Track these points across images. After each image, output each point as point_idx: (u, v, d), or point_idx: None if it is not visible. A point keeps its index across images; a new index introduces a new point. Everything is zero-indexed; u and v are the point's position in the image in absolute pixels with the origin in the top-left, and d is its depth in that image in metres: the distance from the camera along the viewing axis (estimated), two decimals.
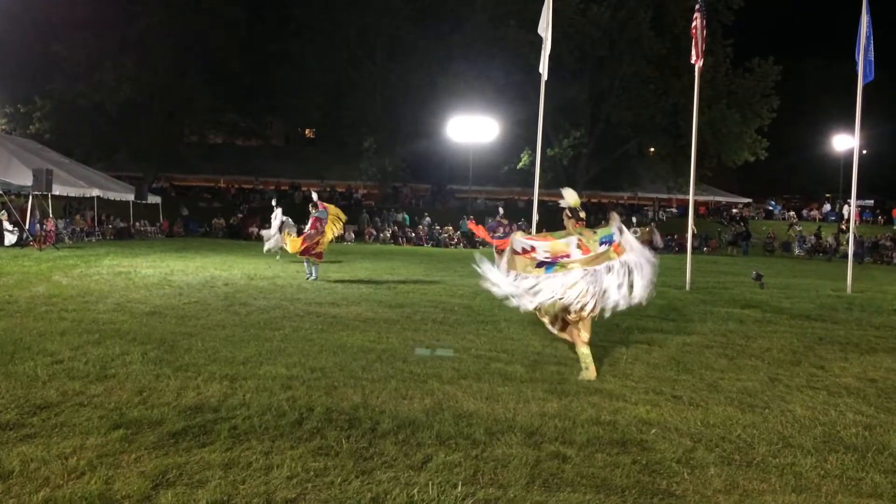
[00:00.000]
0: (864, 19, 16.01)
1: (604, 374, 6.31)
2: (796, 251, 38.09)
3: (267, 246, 20.30)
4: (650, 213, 46.70)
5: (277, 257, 20.00)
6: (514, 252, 6.28)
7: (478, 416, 4.86)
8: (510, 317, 9.73)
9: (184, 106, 41.11)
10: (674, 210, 48.22)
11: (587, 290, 5.96)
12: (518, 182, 42.53)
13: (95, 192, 28.24)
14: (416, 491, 3.57)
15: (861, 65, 16.09)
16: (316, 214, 14.44)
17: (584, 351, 6.23)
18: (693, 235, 18.21)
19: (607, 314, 6.13)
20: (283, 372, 5.92)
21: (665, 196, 47.61)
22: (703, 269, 20.79)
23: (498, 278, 6.24)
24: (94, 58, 34.81)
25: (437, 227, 39.15)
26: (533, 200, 17.41)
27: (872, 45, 16.04)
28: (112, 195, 30.00)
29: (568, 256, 6.08)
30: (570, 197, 6.47)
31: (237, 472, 3.73)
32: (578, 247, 6.10)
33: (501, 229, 22.00)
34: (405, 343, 7.52)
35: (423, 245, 36.50)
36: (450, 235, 37.94)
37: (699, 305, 11.92)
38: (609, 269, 6.01)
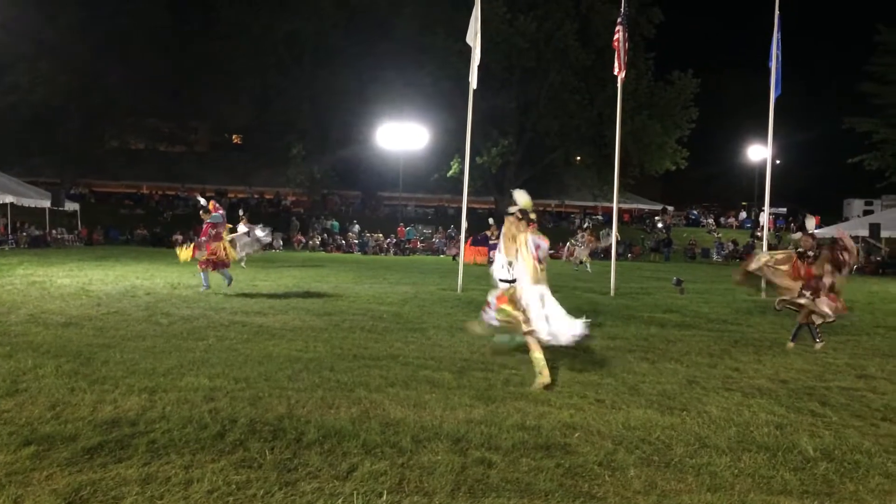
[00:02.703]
0: (776, 36, 16.78)
1: (529, 379, 6.39)
2: (715, 257, 39.44)
3: (239, 255, 20.34)
4: (577, 221, 47.59)
5: (242, 264, 19.81)
6: (535, 257, 6.01)
7: (405, 423, 4.86)
8: (438, 324, 9.78)
9: (103, 109, 39.74)
10: (599, 217, 49.29)
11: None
12: (448, 189, 42.81)
13: (9, 199, 27.10)
14: (340, 501, 3.54)
15: (773, 79, 16.86)
16: (210, 220, 13.18)
17: (538, 356, 6.19)
18: (617, 242, 18.67)
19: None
20: (206, 383, 5.78)
21: (591, 203, 48.68)
22: (627, 275, 21.32)
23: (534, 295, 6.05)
24: (7, 59, 33.34)
25: (367, 235, 38.99)
26: (462, 208, 17.50)
27: (780, 61, 16.83)
28: (27, 202, 28.77)
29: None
30: (521, 199, 6.40)
31: (155, 488, 3.62)
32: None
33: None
34: (332, 351, 7.45)
35: (352, 252, 36.27)
36: (379, 243, 37.83)
37: (622, 310, 12.22)
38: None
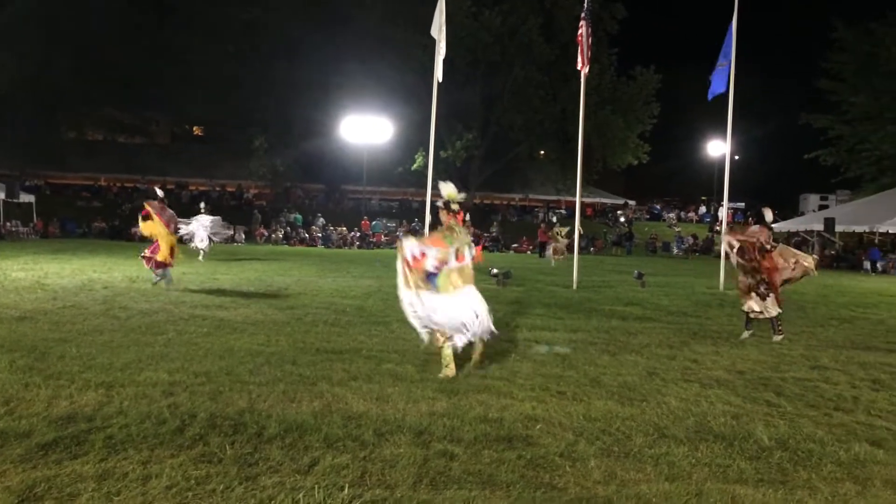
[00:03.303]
0: (733, 36, 17.02)
1: (492, 372, 6.42)
2: (675, 251, 40.00)
3: (200, 246, 20.31)
4: (541, 214, 47.90)
5: (201, 258, 19.69)
6: (406, 262, 6.10)
7: (367, 417, 4.85)
8: (402, 317, 9.70)
9: (60, 100, 38.74)
10: (562, 211, 49.68)
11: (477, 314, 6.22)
12: (412, 183, 42.76)
13: None
14: (301, 495, 3.52)
15: (732, 76, 17.10)
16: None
17: (447, 352, 6.25)
18: (580, 236, 18.82)
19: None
20: (165, 378, 5.70)
21: (554, 198, 49.01)
22: (590, 268, 21.52)
23: (406, 299, 6.17)
24: None
25: (331, 228, 38.76)
26: (426, 201, 17.48)
27: (733, 59, 17.06)
28: None
29: (447, 264, 6.17)
30: (446, 190, 6.56)
31: (112, 484, 3.56)
32: (456, 256, 6.22)
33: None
34: (295, 345, 7.40)
35: (315, 246, 36.03)
36: (343, 237, 37.63)
37: (585, 304, 12.34)
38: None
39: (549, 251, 25.50)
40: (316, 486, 3.62)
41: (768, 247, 8.95)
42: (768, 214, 9.42)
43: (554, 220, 28.39)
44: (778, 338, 8.76)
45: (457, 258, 6.23)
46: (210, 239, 21.06)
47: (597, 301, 12.85)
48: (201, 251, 20.43)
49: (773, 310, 8.80)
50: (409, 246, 6.13)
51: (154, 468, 3.77)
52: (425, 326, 6.20)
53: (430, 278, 6.16)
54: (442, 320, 6.16)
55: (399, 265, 6.19)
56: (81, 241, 30.29)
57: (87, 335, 7.52)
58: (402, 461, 4.03)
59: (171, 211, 13.00)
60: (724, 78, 17.15)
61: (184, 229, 19.10)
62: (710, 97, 17.62)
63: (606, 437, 4.64)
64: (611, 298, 13.41)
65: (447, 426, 4.69)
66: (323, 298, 11.77)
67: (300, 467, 3.90)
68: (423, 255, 6.09)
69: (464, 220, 6.53)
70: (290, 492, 3.56)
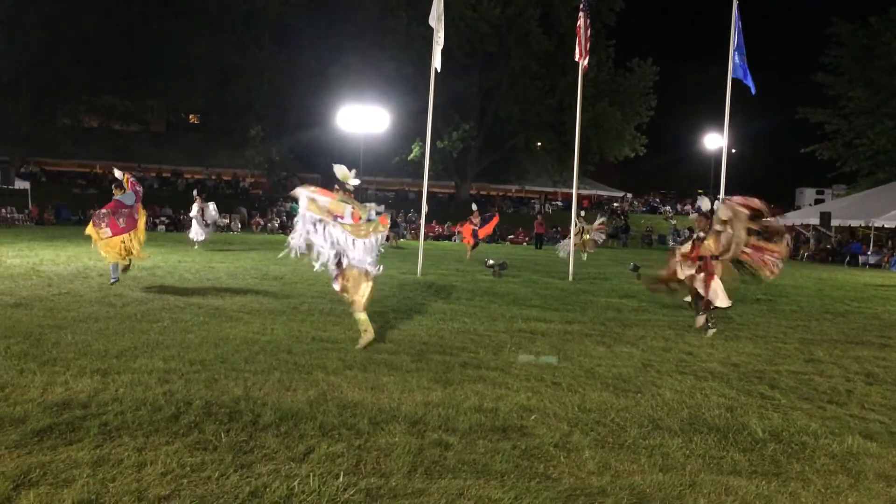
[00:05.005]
0: (736, 26, 16.93)
1: (487, 362, 6.44)
2: (671, 243, 40.03)
3: (196, 238, 20.31)
4: (536, 206, 47.89)
5: (196, 247, 19.72)
6: (310, 199, 6.77)
7: (362, 406, 4.86)
8: (398, 307, 9.77)
9: (55, 86, 38.51)
10: (559, 203, 49.68)
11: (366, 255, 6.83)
12: (409, 173, 42.68)
13: None
14: (296, 483, 3.52)
15: (731, 68, 17.01)
16: (119, 197, 10.77)
17: (362, 317, 6.87)
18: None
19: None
20: (161, 365, 5.70)
21: (551, 189, 49.01)
22: (585, 260, 21.53)
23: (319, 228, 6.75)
24: None
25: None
26: (423, 192, 17.46)
27: (743, 48, 16.97)
28: None
29: (342, 218, 6.75)
30: (339, 171, 7.10)
31: (107, 470, 3.56)
32: (352, 215, 6.76)
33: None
34: (290, 334, 7.40)
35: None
36: None
37: (580, 295, 12.36)
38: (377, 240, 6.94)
39: (579, 243, 24.94)
40: (311, 474, 3.63)
41: (702, 235, 8.73)
42: (705, 203, 9.12)
43: (582, 213, 28.26)
44: (710, 332, 8.46)
45: (352, 217, 6.79)
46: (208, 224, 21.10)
47: (592, 293, 12.87)
48: (197, 242, 20.40)
49: (720, 301, 8.54)
50: (303, 191, 6.86)
51: (149, 455, 3.78)
52: (337, 265, 6.83)
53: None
54: (357, 256, 6.77)
55: (303, 203, 6.79)
56: (77, 228, 30.10)
57: (82, 322, 7.51)
58: (396, 450, 4.03)
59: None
60: (746, 71, 16.93)
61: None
62: (752, 90, 17.18)
63: (601, 428, 4.65)
64: (606, 290, 13.42)
65: (442, 416, 4.70)
66: (318, 288, 11.75)
67: (295, 455, 3.90)
68: (314, 200, 6.76)
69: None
70: (285, 479, 3.56)
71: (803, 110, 40.09)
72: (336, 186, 7.10)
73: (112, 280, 10.97)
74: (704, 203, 9.07)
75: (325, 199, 6.81)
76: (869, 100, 37.61)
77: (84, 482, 3.41)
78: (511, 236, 38.55)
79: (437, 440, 4.24)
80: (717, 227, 8.57)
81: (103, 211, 10.69)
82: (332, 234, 6.71)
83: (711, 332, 8.52)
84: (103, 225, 10.46)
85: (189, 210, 21.46)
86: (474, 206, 22.76)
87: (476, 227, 21.41)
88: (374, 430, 4.36)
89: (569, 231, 18.73)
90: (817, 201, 44.81)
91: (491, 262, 15.66)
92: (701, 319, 8.78)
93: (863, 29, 36.73)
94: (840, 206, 34.46)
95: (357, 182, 7.24)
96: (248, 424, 4.35)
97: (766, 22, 59.30)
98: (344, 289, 7.04)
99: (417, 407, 4.89)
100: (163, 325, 7.59)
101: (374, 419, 4.57)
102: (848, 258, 29.06)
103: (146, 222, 11.78)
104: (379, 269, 7.04)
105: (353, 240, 6.72)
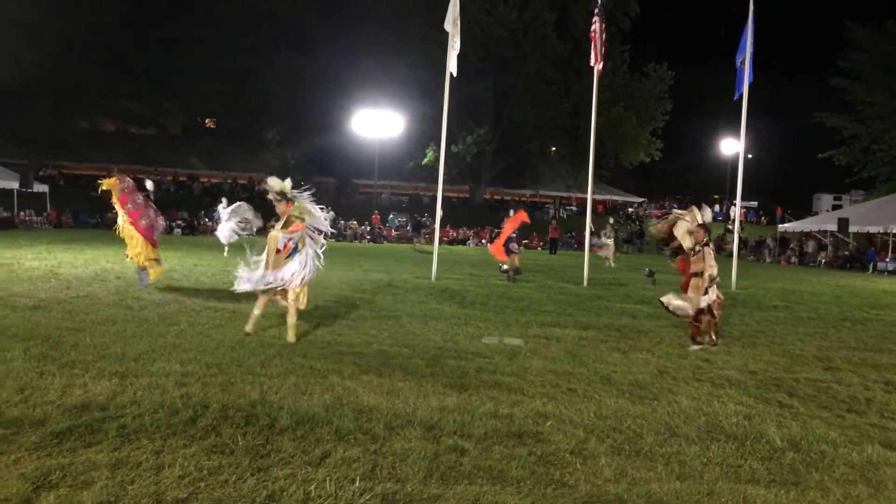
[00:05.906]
0: (750, 31, 16.88)
1: (502, 367, 6.43)
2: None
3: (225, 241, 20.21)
4: (551, 211, 47.79)
5: (225, 253, 19.69)
6: (277, 251, 7.13)
7: (378, 410, 4.86)
8: (412, 312, 9.77)
9: (73, 90, 38.92)
10: (573, 208, 49.57)
11: (303, 270, 7.26)
12: (423, 178, 42.73)
13: None
14: (312, 487, 3.53)
15: (747, 73, 16.97)
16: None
17: (292, 321, 7.28)
18: (591, 233, 18.70)
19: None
20: (178, 368, 5.73)
21: (565, 194, 48.89)
22: (600, 266, 21.45)
23: (248, 276, 7.24)
24: None
25: (342, 222, 38.79)
26: (437, 196, 17.48)
27: (752, 53, 16.92)
28: None
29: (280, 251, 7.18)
30: (274, 183, 7.28)
31: (125, 472, 3.59)
32: (285, 246, 7.21)
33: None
34: (305, 338, 7.42)
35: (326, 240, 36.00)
36: (354, 230, 37.67)
37: (595, 301, 12.31)
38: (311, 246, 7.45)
39: (607, 252, 24.72)
40: (327, 479, 3.64)
41: (697, 248, 8.03)
42: (707, 214, 8.34)
43: (611, 220, 28.09)
44: (694, 347, 7.92)
45: (283, 246, 7.21)
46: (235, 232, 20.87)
47: (607, 298, 12.82)
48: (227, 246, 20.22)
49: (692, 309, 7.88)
50: (282, 238, 7.18)
51: (167, 458, 3.80)
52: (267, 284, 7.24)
53: (291, 254, 7.23)
54: (295, 281, 7.22)
55: (267, 255, 7.23)
56: (94, 232, 30.44)
57: (100, 325, 7.56)
58: (412, 455, 4.04)
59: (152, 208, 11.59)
60: (743, 77, 16.99)
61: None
62: (735, 97, 17.36)
63: (617, 434, 4.63)
64: (621, 296, 13.37)
65: (457, 421, 4.70)
66: (333, 292, 11.79)
67: (311, 459, 3.92)
68: (286, 245, 7.17)
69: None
70: (301, 484, 3.57)
71: (819, 115, 39.76)
72: (276, 199, 7.25)
73: (142, 284, 11.11)
74: (706, 214, 8.31)
75: (297, 235, 7.25)
76: (887, 105, 37.25)
77: (103, 484, 3.44)
78: (525, 241, 38.47)
79: (452, 446, 4.23)
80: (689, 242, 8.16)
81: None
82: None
83: (695, 347, 7.93)
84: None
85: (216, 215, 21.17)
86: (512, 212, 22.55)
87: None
88: (390, 435, 4.37)
89: (594, 236, 18.62)
90: (835, 207, 44.46)
91: (505, 266, 15.66)
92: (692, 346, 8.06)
93: (881, 34, 36.39)
94: (858, 212, 34.13)
95: (291, 185, 7.40)
96: (265, 428, 4.37)
97: (782, 26, 59.01)
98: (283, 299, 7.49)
99: (433, 412, 4.89)
100: (180, 328, 7.63)
101: (390, 424, 4.57)
102: (872, 268, 28.30)
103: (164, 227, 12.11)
104: (318, 268, 7.52)
105: (282, 270, 7.16)
